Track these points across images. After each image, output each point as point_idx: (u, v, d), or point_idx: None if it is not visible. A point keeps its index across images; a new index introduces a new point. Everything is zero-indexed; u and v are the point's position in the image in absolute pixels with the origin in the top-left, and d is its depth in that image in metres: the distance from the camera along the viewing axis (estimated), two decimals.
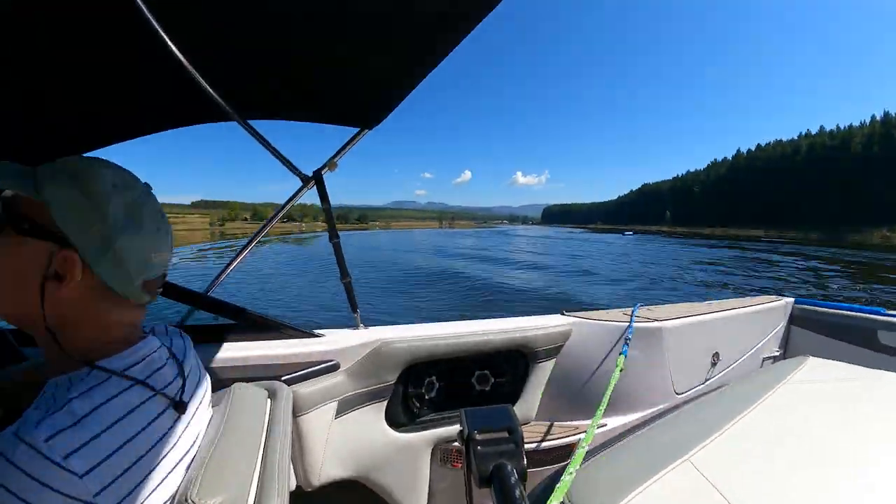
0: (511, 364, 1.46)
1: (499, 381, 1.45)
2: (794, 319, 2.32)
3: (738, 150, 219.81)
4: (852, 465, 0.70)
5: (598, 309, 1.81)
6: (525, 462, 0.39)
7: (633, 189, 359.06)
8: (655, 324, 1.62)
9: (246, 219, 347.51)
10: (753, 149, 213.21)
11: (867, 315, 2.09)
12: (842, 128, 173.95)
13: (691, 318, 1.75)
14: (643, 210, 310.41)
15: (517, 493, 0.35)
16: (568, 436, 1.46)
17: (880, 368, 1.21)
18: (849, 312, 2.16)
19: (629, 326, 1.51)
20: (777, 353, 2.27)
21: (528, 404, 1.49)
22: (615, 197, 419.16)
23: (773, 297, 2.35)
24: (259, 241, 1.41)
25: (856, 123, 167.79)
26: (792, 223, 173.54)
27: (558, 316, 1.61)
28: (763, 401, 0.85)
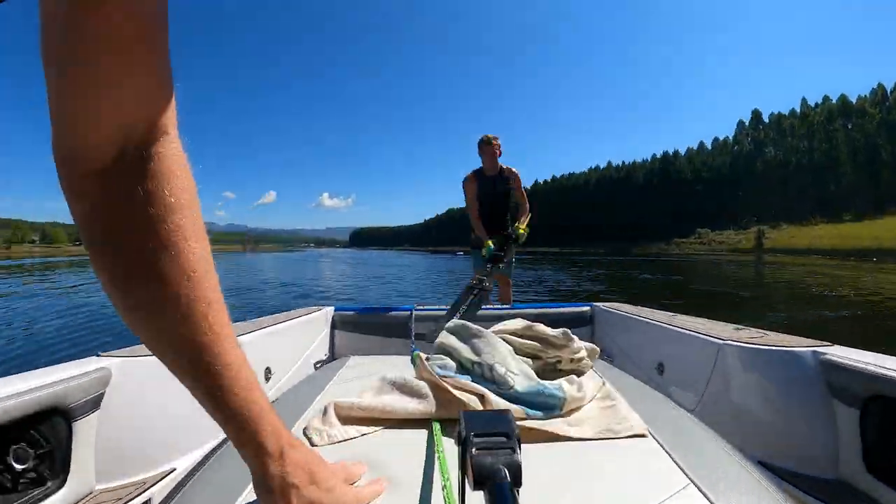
0: (50, 427, 1.22)
1: (40, 453, 1.18)
2: (336, 325, 2.68)
3: (536, 181, 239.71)
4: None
5: None
6: (521, 466, 0.39)
7: (440, 213, 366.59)
8: None
9: (34, 241, 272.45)
10: (549, 179, 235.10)
11: (400, 312, 2.67)
12: (626, 163, 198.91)
13: (241, 338, 1.75)
14: (449, 233, 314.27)
15: (512, 497, 0.35)
16: (135, 496, 1.33)
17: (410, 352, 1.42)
18: (380, 314, 2.72)
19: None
20: (325, 357, 2.53)
21: (82, 471, 1.28)
22: (421, 220, 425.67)
23: (316, 307, 2.68)
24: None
25: (639, 160, 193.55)
26: (584, 241, 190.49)
27: (93, 359, 1.43)
28: (315, 403, 0.90)
